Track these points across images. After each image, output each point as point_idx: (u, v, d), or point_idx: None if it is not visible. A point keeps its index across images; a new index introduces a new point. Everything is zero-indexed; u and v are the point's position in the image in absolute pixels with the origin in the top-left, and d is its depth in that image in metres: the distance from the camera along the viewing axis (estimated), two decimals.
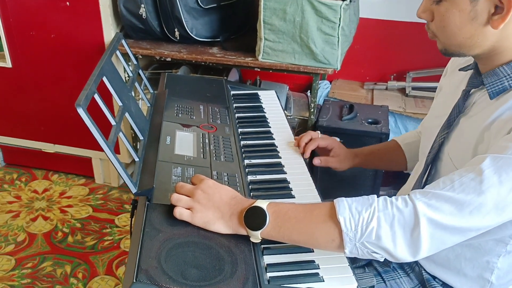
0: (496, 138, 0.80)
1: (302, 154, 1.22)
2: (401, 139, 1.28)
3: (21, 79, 2.16)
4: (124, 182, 0.88)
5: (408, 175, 1.17)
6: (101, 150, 0.83)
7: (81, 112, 0.79)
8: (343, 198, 0.81)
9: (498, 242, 0.89)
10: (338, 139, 1.29)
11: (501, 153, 0.75)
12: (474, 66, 0.93)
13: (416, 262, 1.03)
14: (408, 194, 0.80)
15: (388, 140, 1.64)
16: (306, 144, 1.22)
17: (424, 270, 1.01)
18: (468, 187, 0.76)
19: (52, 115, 2.22)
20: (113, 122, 0.92)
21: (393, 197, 0.80)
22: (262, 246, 0.86)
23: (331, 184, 2.00)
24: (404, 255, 0.78)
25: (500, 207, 0.75)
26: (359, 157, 1.27)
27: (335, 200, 0.82)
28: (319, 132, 1.27)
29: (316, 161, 1.23)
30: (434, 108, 1.10)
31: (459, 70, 0.98)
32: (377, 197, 0.82)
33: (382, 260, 0.82)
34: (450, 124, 0.94)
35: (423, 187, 0.97)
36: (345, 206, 0.80)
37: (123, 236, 2.04)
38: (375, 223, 0.77)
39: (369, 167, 1.32)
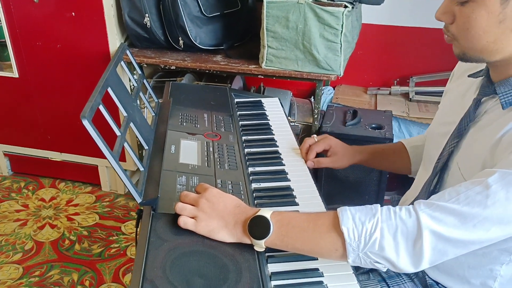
0: (506, 152, 0.79)
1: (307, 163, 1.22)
2: (408, 142, 1.27)
3: (28, 89, 2.18)
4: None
5: (412, 179, 1.17)
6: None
7: (86, 124, 0.80)
8: (347, 208, 0.82)
9: (503, 251, 0.88)
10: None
11: (510, 168, 0.75)
12: (486, 74, 0.91)
13: None
14: (413, 204, 0.80)
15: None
16: (307, 152, 1.23)
17: (428, 275, 1.02)
18: (474, 200, 0.75)
19: (58, 124, 2.24)
20: (118, 133, 0.93)
21: (397, 207, 0.81)
22: (266, 254, 0.86)
23: (336, 189, 2.01)
24: (407, 266, 0.79)
25: (505, 222, 0.75)
26: (362, 155, 1.25)
27: (338, 210, 0.82)
28: (315, 136, 1.26)
29: (309, 163, 1.21)
30: (440, 114, 1.08)
31: (468, 76, 0.96)
32: (381, 204, 0.82)
33: (385, 270, 0.83)
34: (460, 133, 0.92)
35: (429, 196, 0.97)
36: (349, 216, 0.80)
37: (129, 243, 2.05)
38: (378, 233, 0.78)
39: (371, 166, 1.30)
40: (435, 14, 0.85)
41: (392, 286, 1.03)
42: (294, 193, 1.06)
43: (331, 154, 1.25)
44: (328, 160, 1.24)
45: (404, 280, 1.04)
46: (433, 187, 0.99)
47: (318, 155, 1.25)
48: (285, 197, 1.05)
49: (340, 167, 1.26)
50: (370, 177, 1.96)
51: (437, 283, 1.01)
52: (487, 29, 0.79)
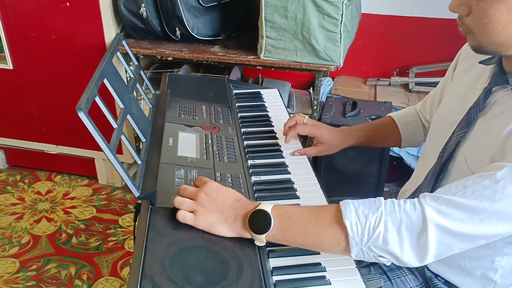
0: None
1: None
2: (398, 118, 1.25)
3: (22, 81, 2.15)
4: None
5: (412, 171, 1.16)
6: None
7: (82, 116, 0.78)
8: (349, 201, 0.80)
9: (507, 243, 0.87)
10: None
11: None
12: (498, 62, 0.89)
13: None
14: (414, 196, 0.79)
15: None
16: (290, 128, 1.20)
17: (427, 268, 1.01)
18: (482, 194, 0.74)
19: (54, 116, 2.21)
20: (114, 125, 0.91)
21: (401, 200, 0.79)
22: (268, 249, 0.85)
23: (335, 180, 1.99)
24: (411, 260, 0.78)
25: None
26: (352, 140, 1.24)
27: (341, 203, 0.80)
28: (306, 116, 1.23)
29: (296, 153, 1.19)
30: (449, 101, 1.05)
31: (480, 62, 0.94)
32: (384, 198, 0.80)
33: (389, 264, 0.81)
34: (468, 123, 0.90)
35: (433, 187, 0.95)
36: (352, 210, 0.78)
37: (127, 236, 2.04)
38: (382, 227, 0.76)
39: (362, 145, 1.28)
40: (449, 5, 0.81)
41: (393, 279, 1.02)
42: (294, 186, 1.05)
43: (317, 143, 1.23)
44: (314, 150, 1.23)
45: (405, 273, 1.04)
46: (437, 178, 0.97)
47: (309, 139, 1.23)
48: (285, 190, 1.03)
49: (328, 154, 1.24)
50: (370, 169, 1.94)
51: (436, 276, 1.00)
52: (507, 24, 0.76)
